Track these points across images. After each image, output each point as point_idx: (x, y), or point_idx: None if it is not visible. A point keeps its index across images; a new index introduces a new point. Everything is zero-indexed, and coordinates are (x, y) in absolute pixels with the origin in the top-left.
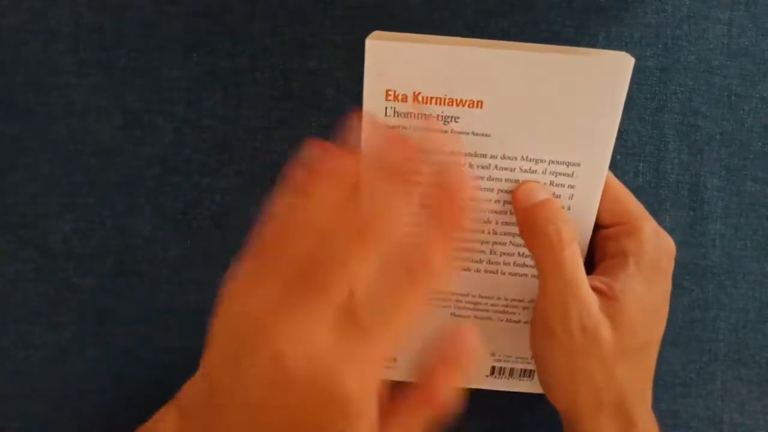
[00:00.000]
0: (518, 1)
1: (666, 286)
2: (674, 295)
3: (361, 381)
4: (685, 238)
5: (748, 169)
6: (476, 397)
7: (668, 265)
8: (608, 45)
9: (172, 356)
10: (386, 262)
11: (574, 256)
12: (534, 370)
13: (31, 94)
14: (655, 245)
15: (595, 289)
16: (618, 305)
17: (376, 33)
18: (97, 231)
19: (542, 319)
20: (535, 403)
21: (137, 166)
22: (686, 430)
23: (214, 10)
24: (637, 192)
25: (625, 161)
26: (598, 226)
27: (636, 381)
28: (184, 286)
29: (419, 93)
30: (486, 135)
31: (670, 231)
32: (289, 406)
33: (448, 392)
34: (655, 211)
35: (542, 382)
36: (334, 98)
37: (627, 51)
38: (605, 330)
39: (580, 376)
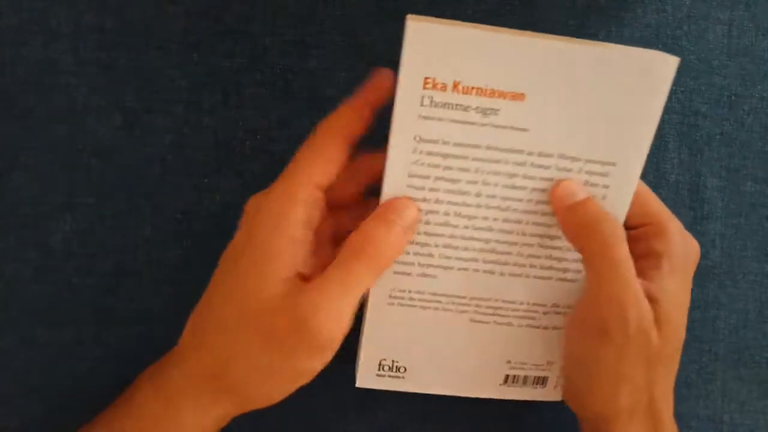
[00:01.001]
0: (519, 1)
1: (690, 287)
2: None
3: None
4: None
5: (748, 169)
6: (481, 399)
7: (694, 267)
8: None
9: None
10: None
11: (627, 255)
12: (547, 377)
13: (31, 94)
14: (683, 246)
15: None
16: (659, 307)
17: (414, 16)
18: (97, 231)
19: (592, 319)
20: (542, 406)
21: (137, 166)
22: (686, 430)
23: (214, 10)
24: None
25: None
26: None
27: (666, 384)
28: (184, 286)
29: (459, 82)
30: (524, 130)
31: None
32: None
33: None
34: None
35: (573, 388)
36: (334, 98)
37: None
38: (654, 332)
39: (624, 379)
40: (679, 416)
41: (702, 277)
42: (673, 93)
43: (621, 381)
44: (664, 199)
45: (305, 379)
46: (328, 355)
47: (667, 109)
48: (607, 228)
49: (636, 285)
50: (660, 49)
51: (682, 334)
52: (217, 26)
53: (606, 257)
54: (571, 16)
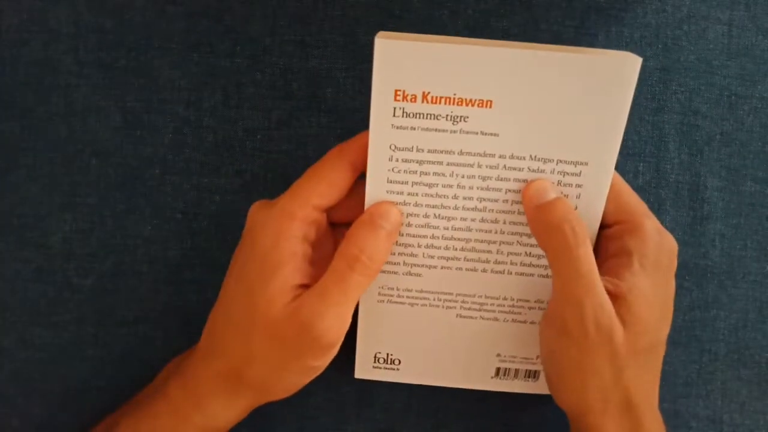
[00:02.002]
0: (518, 1)
1: (670, 285)
2: (674, 295)
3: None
4: (685, 238)
5: (748, 169)
6: (478, 398)
7: (671, 264)
8: (608, 45)
9: (172, 356)
10: None
11: (589, 254)
12: (539, 371)
13: (31, 94)
14: (657, 244)
15: None
16: (626, 304)
17: (384, 33)
18: (97, 231)
19: (556, 317)
20: (539, 404)
21: (137, 166)
22: (686, 430)
23: (214, 10)
24: (637, 192)
25: (625, 161)
26: (600, 225)
27: (643, 382)
28: (184, 286)
29: (428, 93)
30: (495, 135)
31: (670, 231)
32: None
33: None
34: (655, 211)
35: (550, 382)
36: (334, 98)
37: (627, 51)
38: (618, 329)
39: (590, 374)
40: (679, 416)
41: (702, 277)
42: (673, 93)
43: (586, 376)
44: (663, 199)
45: (318, 371)
46: (334, 351)
47: (667, 109)
48: (567, 228)
49: (595, 283)
50: (660, 49)
51: (657, 331)
52: (217, 26)
53: (566, 256)
54: (570, 17)
